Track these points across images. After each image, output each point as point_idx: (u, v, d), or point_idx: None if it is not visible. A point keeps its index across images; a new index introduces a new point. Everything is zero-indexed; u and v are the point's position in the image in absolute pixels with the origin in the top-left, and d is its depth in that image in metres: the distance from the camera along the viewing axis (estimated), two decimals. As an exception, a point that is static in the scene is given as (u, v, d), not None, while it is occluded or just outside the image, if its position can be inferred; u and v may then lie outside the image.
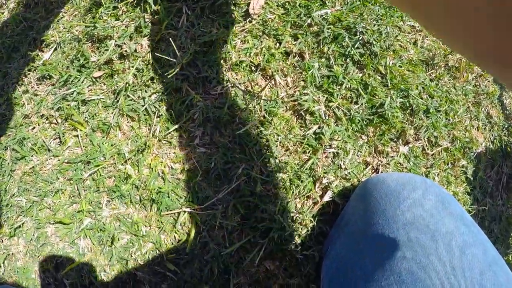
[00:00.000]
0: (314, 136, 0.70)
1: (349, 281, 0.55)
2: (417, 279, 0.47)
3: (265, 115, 0.68)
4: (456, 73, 0.83)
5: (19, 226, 0.72)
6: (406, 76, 0.76)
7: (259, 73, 0.71)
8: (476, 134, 0.84)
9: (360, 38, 0.75)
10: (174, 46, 0.67)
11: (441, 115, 0.78)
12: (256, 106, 0.69)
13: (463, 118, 0.82)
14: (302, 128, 0.71)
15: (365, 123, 0.73)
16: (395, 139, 0.75)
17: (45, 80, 0.77)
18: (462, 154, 0.81)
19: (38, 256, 0.72)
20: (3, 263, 0.73)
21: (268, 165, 0.69)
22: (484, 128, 0.86)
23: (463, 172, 0.82)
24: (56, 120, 0.74)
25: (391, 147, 0.75)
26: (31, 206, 0.72)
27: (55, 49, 0.78)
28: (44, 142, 0.74)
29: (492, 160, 0.87)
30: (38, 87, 0.77)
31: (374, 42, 0.76)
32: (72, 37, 0.76)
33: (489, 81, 0.90)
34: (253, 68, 0.71)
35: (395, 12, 0.80)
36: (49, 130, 0.75)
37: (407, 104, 0.76)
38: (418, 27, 0.81)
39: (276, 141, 0.69)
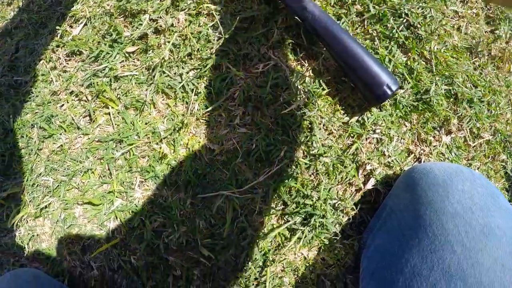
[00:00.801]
0: (358, 122, 0.65)
1: (394, 275, 0.50)
2: (466, 275, 0.42)
3: (309, 96, 0.63)
4: (499, 63, 0.78)
5: (46, 207, 0.67)
6: (451, 63, 0.71)
7: (302, 52, 0.66)
8: (517, 127, 0.79)
9: (405, 21, 0.70)
10: (216, 20, 0.62)
11: (483, 105, 0.73)
12: (300, 87, 0.64)
13: (505, 111, 0.77)
14: (345, 111, 0.65)
15: (409, 109, 0.68)
16: (438, 128, 0.70)
17: (74, 56, 0.72)
18: (503, 148, 0.76)
19: (65, 238, 0.67)
20: (28, 244, 0.68)
21: (311, 148, 0.64)
22: (525, 122, 0.81)
23: (503, 167, 0.77)
24: (86, 97, 0.69)
25: (434, 136, 0.70)
26: (58, 186, 0.67)
27: (85, 24, 0.73)
28: (73, 119, 0.69)
29: (532, 154, 0.82)
30: (67, 63, 0.72)
31: (418, 26, 0.71)
32: (103, 12, 0.71)
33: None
34: (295, 47, 0.66)
35: (439, -4, 0.75)
36: (78, 108, 0.70)
37: (452, 92, 0.71)
38: (461, 12, 0.76)
39: (320, 124, 0.64)
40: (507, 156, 0.76)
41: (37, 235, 0.68)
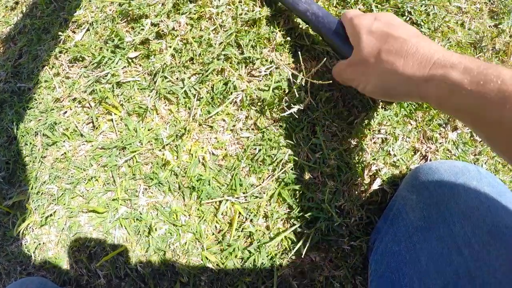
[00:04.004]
0: (363, 122, 0.62)
1: (402, 278, 0.49)
2: (474, 277, 0.41)
3: (312, 98, 0.60)
4: (504, 57, 0.74)
5: (51, 215, 0.65)
6: (455, 59, 0.68)
7: (304, 54, 0.63)
8: (523, 122, 0.76)
9: (408, 19, 0.67)
10: (217, 24, 0.59)
11: (489, 100, 0.70)
12: (303, 89, 0.61)
13: (510, 105, 0.74)
14: (349, 112, 0.63)
15: (414, 107, 0.65)
16: (444, 125, 0.67)
17: (77, 62, 0.70)
18: (510, 142, 0.73)
19: (71, 246, 0.64)
20: (34, 252, 0.66)
21: (315, 151, 0.61)
22: (531, 115, 0.78)
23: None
24: (89, 103, 0.67)
25: (440, 133, 0.67)
26: (63, 194, 0.65)
27: (88, 29, 0.70)
28: (76, 127, 0.67)
29: (539, 148, 0.79)
30: (70, 70, 0.70)
31: (422, 23, 0.68)
32: (106, 17, 0.69)
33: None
34: (298, 48, 0.63)
35: (442, -7, 0.72)
36: (81, 114, 0.67)
37: (457, 89, 0.67)
38: (464, 8, 0.73)
39: (324, 126, 0.61)
40: (514, 150, 0.73)
41: (43, 243, 0.66)
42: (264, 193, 0.61)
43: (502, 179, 0.72)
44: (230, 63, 0.62)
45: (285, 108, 0.61)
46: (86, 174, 0.65)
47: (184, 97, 0.63)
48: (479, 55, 0.72)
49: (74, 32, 0.71)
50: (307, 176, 0.60)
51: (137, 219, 0.62)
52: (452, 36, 0.70)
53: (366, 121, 0.63)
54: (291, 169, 0.60)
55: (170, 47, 0.63)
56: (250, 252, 0.61)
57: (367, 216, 0.63)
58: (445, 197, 0.50)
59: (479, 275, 0.41)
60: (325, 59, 0.58)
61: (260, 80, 0.62)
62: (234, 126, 0.62)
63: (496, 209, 0.46)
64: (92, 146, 0.65)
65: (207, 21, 0.64)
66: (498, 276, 0.40)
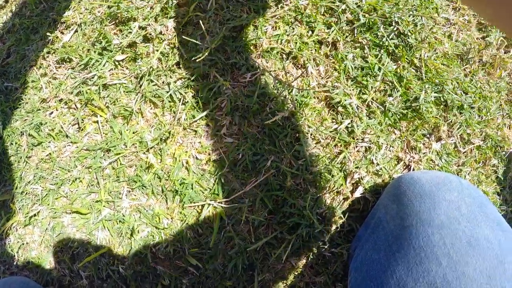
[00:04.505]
0: (346, 131, 0.63)
1: (381, 286, 0.49)
2: (452, 287, 0.41)
3: (296, 106, 0.61)
4: (490, 69, 0.76)
5: (35, 215, 0.66)
6: (441, 70, 0.69)
7: (290, 62, 0.64)
8: (508, 133, 0.77)
9: (395, 29, 0.68)
10: (204, 29, 0.59)
11: (474, 111, 0.71)
12: (287, 96, 0.62)
13: (496, 116, 0.75)
14: (334, 121, 0.64)
15: (398, 117, 0.66)
16: (428, 135, 0.68)
17: (64, 63, 0.70)
18: (494, 153, 0.74)
19: (54, 246, 0.65)
20: (17, 252, 0.66)
21: (298, 158, 0.62)
22: (516, 127, 0.79)
23: (494, 172, 0.75)
24: (75, 105, 0.67)
25: (424, 143, 0.68)
26: (47, 194, 0.66)
27: (76, 31, 0.71)
28: (62, 127, 0.67)
29: (522, 160, 0.80)
30: (57, 70, 0.70)
31: (409, 34, 0.68)
32: (94, 19, 0.69)
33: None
34: (284, 56, 0.64)
35: (430, 3, 0.73)
36: (67, 115, 0.68)
37: (441, 99, 0.68)
38: (452, 20, 0.74)
39: (307, 133, 0.62)
40: (498, 161, 0.75)
41: (27, 243, 0.66)
42: (246, 198, 0.61)
43: (484, 190, 0.73)
44: (216, 68, 0.63)
45: (269, 114, 0.62)
46: (71, 175, 0.65)
47: (169, 101, 0.63)
48: (466, 66, 0.73)
49: (62, 33, 0.72)
50: (289, 182, 0.61)
51: (120, 221, 0.63)
52: (439, 47, 0.71)
53: (350, 129, 0.64)
54: (274, 176, 0.61)
55: (157, 50, 0.64)
56: (231, 256, 0.62)
57: (348, 224, 0.64)
58: (425, 207, 0.51)
59: (457, 285, 0.41)
60: (309, 66, 0.59)
61: (245, 86, 0.63)
62: (218, 131, 0.62)
63: (476, 220, 0.47)
64: (77, 147, 0.66)
65: (194, 26, 0.65)
66: (476, 287, 0.41)
